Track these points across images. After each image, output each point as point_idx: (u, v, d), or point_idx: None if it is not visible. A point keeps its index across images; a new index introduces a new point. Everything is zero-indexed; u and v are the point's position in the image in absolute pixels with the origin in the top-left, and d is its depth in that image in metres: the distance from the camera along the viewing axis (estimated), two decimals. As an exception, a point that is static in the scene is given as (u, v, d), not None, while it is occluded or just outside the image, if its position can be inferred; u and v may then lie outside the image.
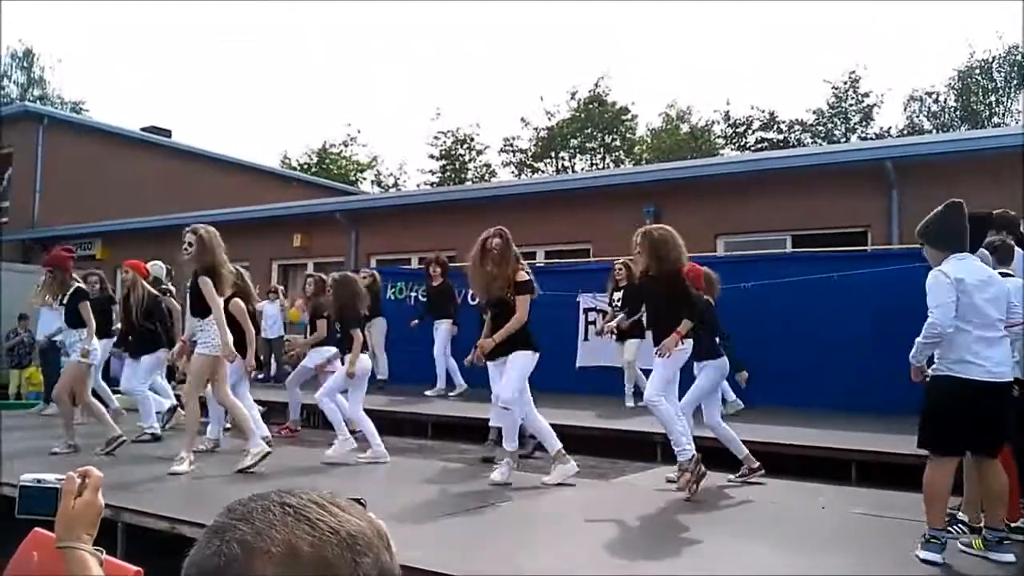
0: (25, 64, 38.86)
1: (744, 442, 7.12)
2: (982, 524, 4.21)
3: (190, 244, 6.37)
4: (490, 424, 7.06)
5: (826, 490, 5.99)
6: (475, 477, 6.26)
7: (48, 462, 6.68)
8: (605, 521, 5.03)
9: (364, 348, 7.10)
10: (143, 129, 24.30)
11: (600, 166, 36.55)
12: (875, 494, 5.78)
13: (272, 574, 0.79)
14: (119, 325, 8.69)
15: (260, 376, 12.45)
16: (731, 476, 6.12)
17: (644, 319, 7.70)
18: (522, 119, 46.37)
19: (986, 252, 4.55)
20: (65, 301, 7.31)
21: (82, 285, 7.47)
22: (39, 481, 1.46)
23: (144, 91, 63.26)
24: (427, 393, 10.37)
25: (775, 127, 35.38)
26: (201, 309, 6.41)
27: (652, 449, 6.96)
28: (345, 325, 7.08)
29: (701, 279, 6.32)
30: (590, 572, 3.93)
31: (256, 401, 8.34)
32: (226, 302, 7.06)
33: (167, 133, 24.93)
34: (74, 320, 7.28)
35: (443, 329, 10.39)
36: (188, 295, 6.52)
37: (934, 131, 32.18)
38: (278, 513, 0.83)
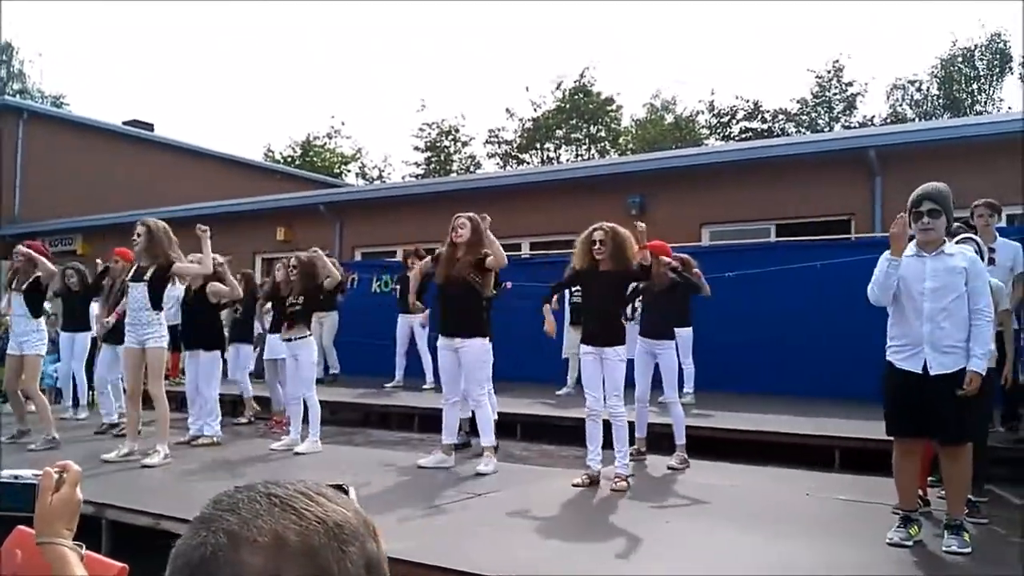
0: (4, 58, 38.40)
1: (731, 430, 7.19)
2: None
3: (139, 235, 6.56)
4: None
5: (810, 477, 6.04)
6: (462, 469, 6.27)
7: (29, 459, 6.66)
8: (592, 511, 5.06)
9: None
10: (125, 123, 24.10)
11: (585, 157, 36.53)
12: (860, 480, 5.82)
13: (259, 563, 0.78)
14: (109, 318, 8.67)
15: (251, 371, 12.40)
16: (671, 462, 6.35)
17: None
18: (507, 110, 46.45)
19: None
20: (24, 288, 7.34)
21: (41, 275, 7.45)
22: (16, 477, 1.44)
23: (126, 85, 62.82)
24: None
25: (759, 117, 35.44)
26: (155, 303, 6.56)
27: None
28: (312, 302, 7.25)
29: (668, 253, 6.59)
30: (578, 561, 3.95)
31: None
32: (202, 288, 7.44)
33: (149, 127, 24.73)
34: (34, 310, 7.36)
35: (420, 322, 10.43)
36: (147, 289, 6.55)
37: (917, 119, 32.36)
38: (264, 503, 0.83)
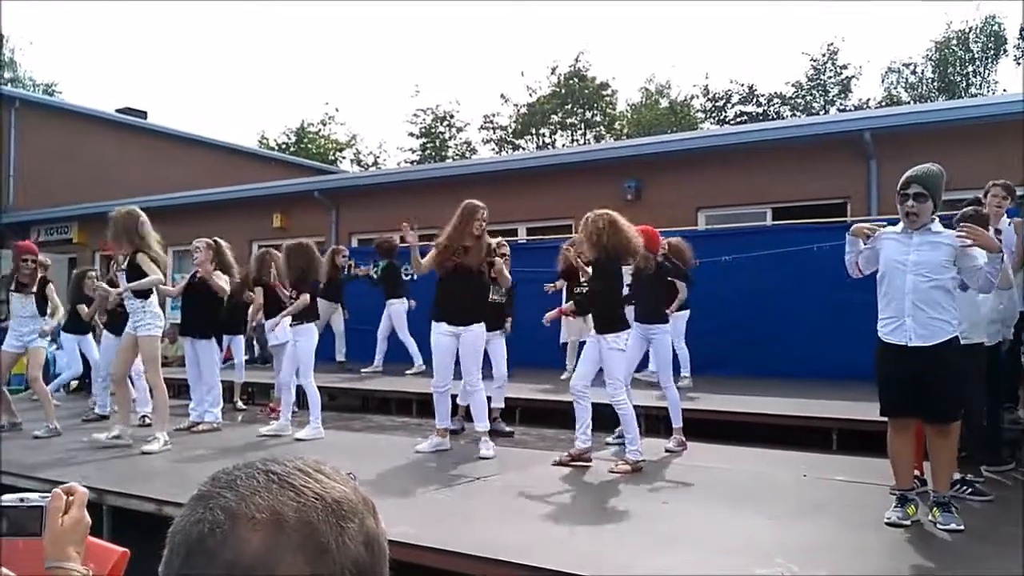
0: (-5, 47, 38.11)
1: (729, 412, 7.19)
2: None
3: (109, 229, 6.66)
4: (458, 402, 7.16)
5: (808, 458, 6.07)
6: (462, 453, 6.29)
7: (31, 445, 6.69)
8: (591, 495, 5.07)
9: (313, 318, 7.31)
10: (118, 111, 23.95)
11: (581, 142, 36.48)
12: (858, 461, 5.84)
13: (256, 540, 0.78)
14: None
15: (246, 358, 12.42)
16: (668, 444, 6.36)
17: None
18: (502, 96, 46.33)
19: None
20: (35, 289, 7.60)
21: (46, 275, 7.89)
22: (22, 500, 1.40)
23: (118, 72, 62.45)
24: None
25: (754, 100, 35.43)
26: (143, 291, 6.58)
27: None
28: (303, 291, 7.23)
29: (656, 241, 6.54)
30: (576, 542, 3.96)
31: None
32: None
33: (142, 114, 24.58)
34: (42, 310, 7.62)
35: (400, 308, 10.45)
36: (125, 278, 6.66)
37: (912, 102, 32.31)
38: (262, 480, 0.83)
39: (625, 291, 6.23)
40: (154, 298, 6.70)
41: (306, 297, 7.11)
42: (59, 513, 1.34)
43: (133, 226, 6.55)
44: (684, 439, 6.38)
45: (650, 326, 6.43)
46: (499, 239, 6.40)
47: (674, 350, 8.83)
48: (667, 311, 8.22)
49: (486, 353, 7.02)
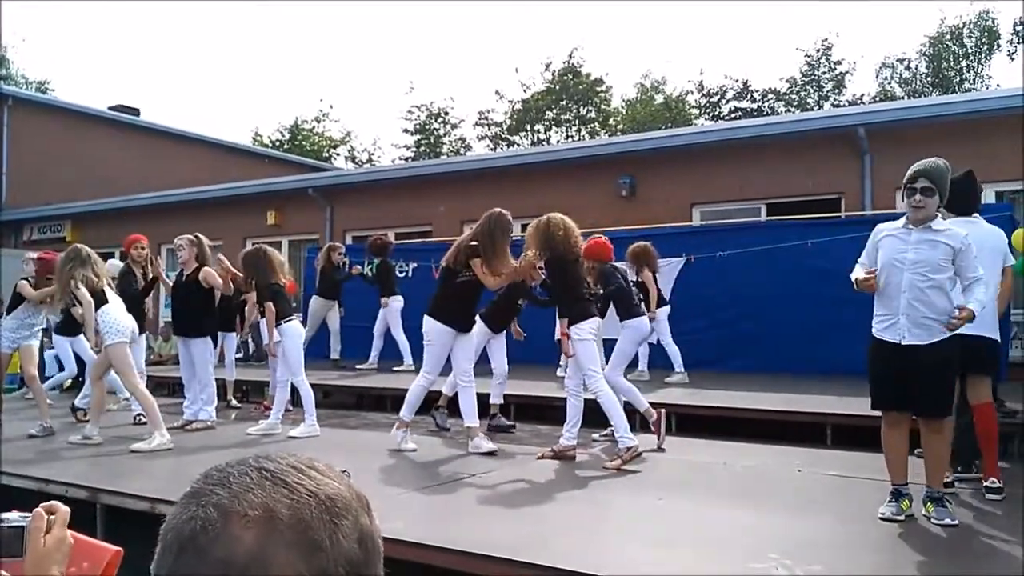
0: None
1: (723, 408, 7.21)
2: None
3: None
4: (444, 391, 7.20)
5: (802, 453, 6.08)
6: (456, 450, 6.29)
7: (26, 445, 6.68)
8: (586, 491, 5.08)
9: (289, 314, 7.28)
10: (111, 108, 23.87)
11: (576, 138, 36.45)
12: (852, 456, 5.86)
13: (249, 538, 0.78)
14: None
15: (239, 356, 12.41)
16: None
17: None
18: (496, 92, 46.30)
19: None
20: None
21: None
22: (1, 521, 1.37)
23: (111, 70, 62.20)
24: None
25: (749, 96, 35.43)
26: (95, 302, 6.68)
27: (631, 418, 7.01)
28: (260, 297, 7.30)
29: (604, 251, 6.90)
30: (571, 538, 3.96)
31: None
32: (196, 272, 7.52)
33: (135, 112, 24.51)
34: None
35: (395, 306, 10.49)
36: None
37: (906, 97, 32.37)
38: (255, 477, 0.82)
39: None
40: (108, 308, 6.65)
41: (271, 306, 7.12)
42: (41, 533, 1.31)
43: (62, 274, 6.71)
44: (652, 410, 6.38)
45: (621, 323, 6.71)
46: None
47: (663, 346, 8.90)
48: (649, 311, 8.33)
49: (485, 350, 7.09)
